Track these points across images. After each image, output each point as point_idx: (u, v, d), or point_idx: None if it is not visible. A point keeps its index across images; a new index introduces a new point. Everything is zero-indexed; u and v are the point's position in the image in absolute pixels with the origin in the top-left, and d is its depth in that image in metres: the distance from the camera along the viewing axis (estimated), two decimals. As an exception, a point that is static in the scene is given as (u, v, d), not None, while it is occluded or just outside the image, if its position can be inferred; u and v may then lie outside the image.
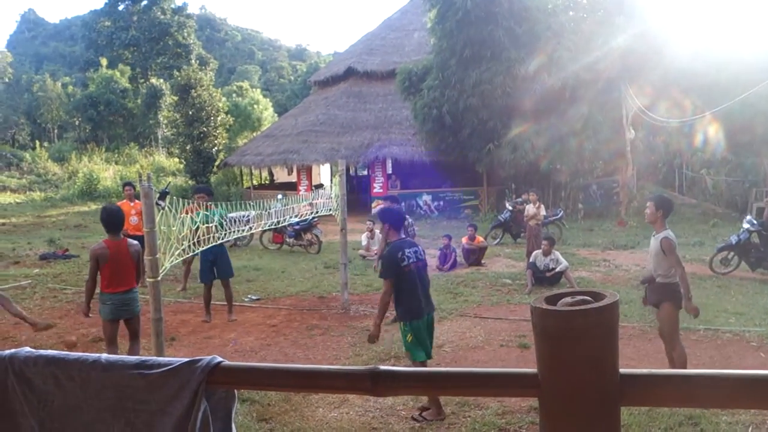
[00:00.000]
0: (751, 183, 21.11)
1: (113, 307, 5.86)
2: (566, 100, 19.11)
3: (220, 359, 1.34)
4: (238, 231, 9.57)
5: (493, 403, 5.22)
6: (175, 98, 31.47)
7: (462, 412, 5.12)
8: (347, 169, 27.41)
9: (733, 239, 11.29)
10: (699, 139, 21.71)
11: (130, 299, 5.92)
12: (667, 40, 18.71)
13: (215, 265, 8.30)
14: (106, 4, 51.95)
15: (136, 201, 9.88)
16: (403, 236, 5.38)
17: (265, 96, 47.15)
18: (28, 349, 1.48)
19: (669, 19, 18.76)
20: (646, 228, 17.91)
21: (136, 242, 6.09)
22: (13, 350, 1.46)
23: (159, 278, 5.24)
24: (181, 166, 32.31)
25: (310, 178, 25.79)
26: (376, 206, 23.12)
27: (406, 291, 5.05)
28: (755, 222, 11.48)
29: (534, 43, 19.48)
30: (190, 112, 29.14)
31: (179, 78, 30.56)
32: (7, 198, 29.09)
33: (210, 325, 8.22)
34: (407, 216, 8.00)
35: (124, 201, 10.31)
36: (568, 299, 1.12)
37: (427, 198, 23.05)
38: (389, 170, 24.29)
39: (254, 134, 35.04)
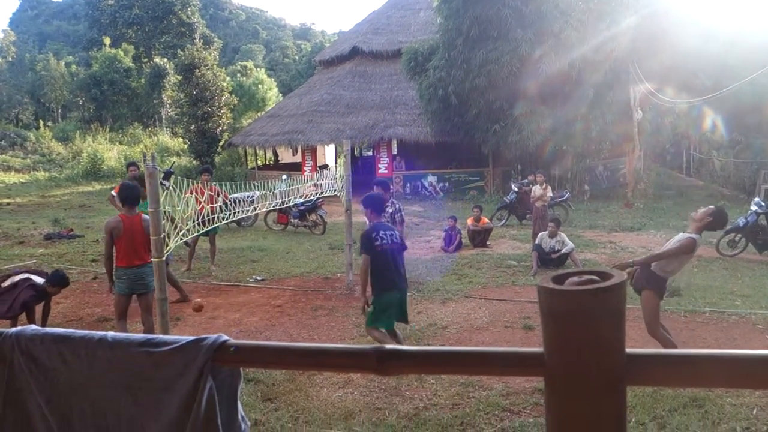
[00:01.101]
0: (760, 165, 20.98)
1: (128, 281, 5.99)
2: (573, 81, 18.95)
3: (226, 337, 1.34)
4: (243, 211, 9.61)
5: (497, 384, 5.24)
6: (179, 78, 31.39)
7: (466, 393, 5.14)
8: (352, 150, 27.39)
9: (741, 221, 11.24)
10: (707, 120, 21.57)
11: (145, 273, 5.98)
12: (676, 20, 18.50)
13: None
14: (109, -18, 51.65)
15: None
16: (383, 220, 6.00)
17: (269, 76, 46.99)
18: (34, 326, 1.49)
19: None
20: (653, 210, 17.89)
21: (148, 217, 6.12)
22: (19, 327, 1.47)
23: (164, 258, 5.25)
24: (185, 146, 32.32)
25: (314, 158, 25.75)
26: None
27: (379, 268, 5.61)
28: (763, 204, 11.42)
29: (541, 22, 19.28)
30: (194, 92, 29.06)
31: (183, 57, 30.44)
32: (11, 178, 29.19)
33: (215, 305, 8.26)
34: (395, 202, 8.12)
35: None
36: (575, 279, 1.11)
37: (432, 179, 23.00)
38: (394, 151, 24.25)
39: (258, 114, 34.96)
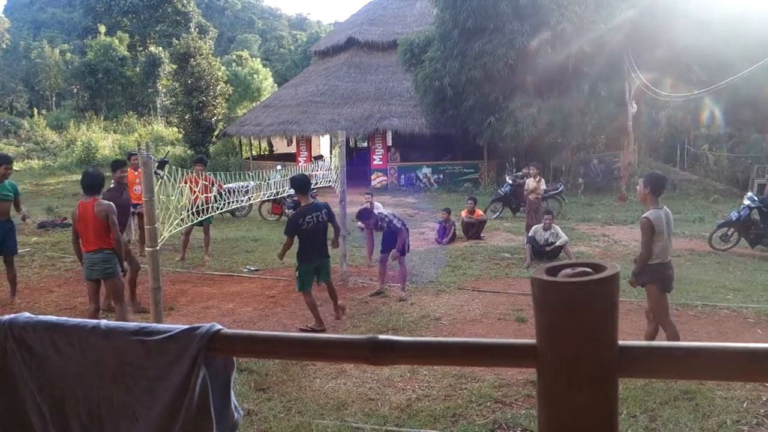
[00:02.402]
0: (753, 159, 21.06)
1: (84, 266, 6.15)
2: (569, 74, 18.95)
3: (219, 327, 1.34)
4: (237, 201, 9.59)
5: (489, 376, 5.26)
6: (174, 67, 31.18)
7: (459, 384, 5.16)
8: (347, 141, 27.34)
9: (734, 215, 11.29)
10: (702, 114, 21.61)
11: (97, 260, 6.02)
12: (672, 13, 18.50)
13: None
14: (104, -31, 51.17)
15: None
16: (311, 200, 6.97)
17: (264, 66, 46.72)
18: (27, 314, 1.48)
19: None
20: (646, 203, 17.96)
21: (106, 202, 6.09)
22: (12, 315, 1.46)
23: (158, 248, 5.24)
24: (180, 135, 32.16)
25: (309, 149, 25.71)
26: (376, 178, 23.10)
27: (303, 243, 6.74)
28: (756, 198, 11.46)
29: (537, 15, 19.25)
30: (189, 81, 28.90)
31: (178, 46, 30.23)
32: (5, 166, 28.94)
33: (208, 294, 8.27)
34: (387, 215, 8.27)
35: (128, 170, 10.30)
36: (569, 271, 1.11)
37: (427, 171, 23.00)
38: (389, 142, 24.21)
39: (254, 104, 34.81)
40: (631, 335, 6.27)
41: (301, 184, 6.93)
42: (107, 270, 6.05)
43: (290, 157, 25.77)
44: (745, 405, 4.68)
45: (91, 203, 6.02)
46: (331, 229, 7.23)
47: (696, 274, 9.38)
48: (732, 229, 11.38)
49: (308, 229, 6.64)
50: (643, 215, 5.53)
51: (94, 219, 5.97)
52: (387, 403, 4.83)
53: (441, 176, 22.92)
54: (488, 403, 4.80)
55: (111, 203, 6.12)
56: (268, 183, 10.19)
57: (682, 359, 1.08)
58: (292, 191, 12.21)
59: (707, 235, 11.77)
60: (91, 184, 6.11)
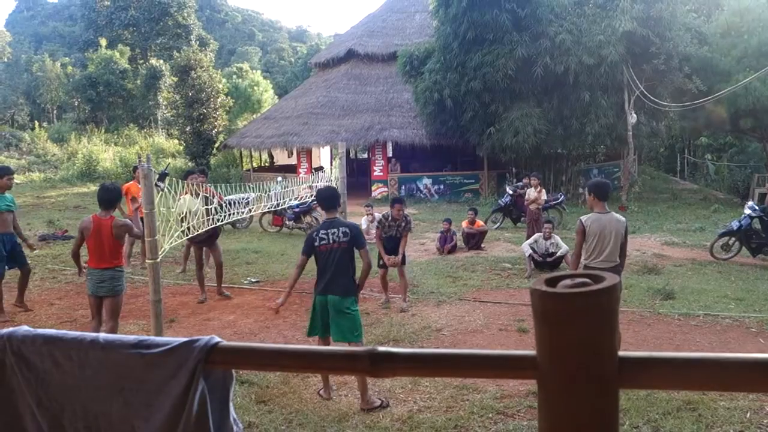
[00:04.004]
0: (754, 168, 21.10)
1: (91, 282, 5.97)
2: (568, 84, 19.03)
3: (218, 339, 1.33)
4: (238, 213, 9.60)
5: (491, 387, 5.24)
6: (175, 79, 31.32)
7: (461, 396, 5.14)
8: (347, 152, 27.36)
9: (735, 225, 11.29)
10: (701, 124, 21.65)
11: (107, 277, 5.94)
12: (671, 26, 18.60)
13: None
14: (105, -17, 51.49)
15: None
16: (334, 216, 5.46)
17: (265, 78, 46.88)
18: (26, 327, 1.48)
19: (673, 1, 18.62)
20: (647, 213, 17.96)
21: (125, 221, 6.07)
22: (11, 329, 1.46)
23: (158, 260, 5.24)
24: (181, 147, 32.22)
25: (310, 160, 25.75)
26: (377, 189, 23.12)
27: (318, 267, 5.34)
28: (757, 208, 11.46)
29: (536, 26, 19.35)
30: (190, 94, 29.00)
31: (179, 59, 30.37)
32: (6, 179, 29.00)
33: (209, 306, 8.25)
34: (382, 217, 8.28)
35: (132, 182, 10.37)
36: (568, 281, 1.11)
37: (427, 181, 23.01)
38: (389, 153, 24.25)
39: (254, 116, 34.92)
40: (633, 345, 6.24)
41: (325, 198, 5.57)
42: (117, 287, 5.98)
43: (291, 169, 25.81)
44: (748, 415, 4.66)
45: (108, 221, 5.91)
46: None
47: (697, 283, 9.37)
48: (733, 239, 11.38)
49: (320, 248, 5.26)
50: (580, 217, 6.02)
51: (110, 237, 5.88)
52: (388, 415, 4.80)
53: (441, 187, 22.93)
54: (490, 415, 4.77)
55: (128, 222, 6.05)
56: (268, 195, 10.19)
57: (684, 370, 1.07)
58: (293, 203, 12.26)
59: (708, 244, 11.76)
60: (107, 198, 5.99)
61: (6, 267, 7.62)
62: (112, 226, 5.90)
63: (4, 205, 7.61)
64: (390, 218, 8.16)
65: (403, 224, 8.13)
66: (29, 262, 8.31)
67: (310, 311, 5.43)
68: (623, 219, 5.96)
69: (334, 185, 9.92)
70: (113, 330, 5.95)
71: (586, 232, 5.80)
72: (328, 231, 5.28)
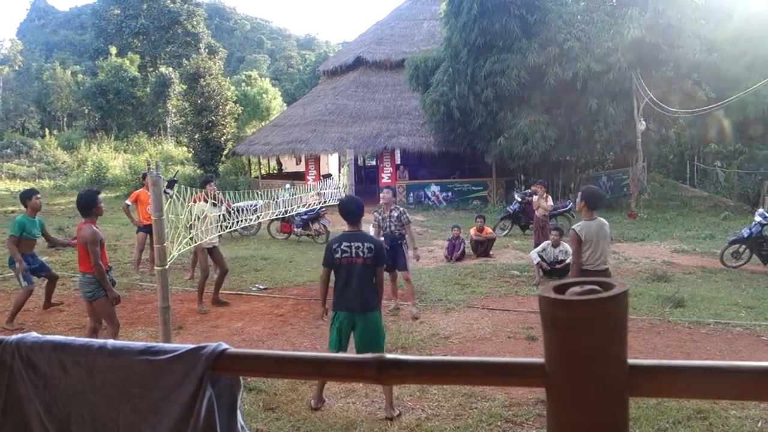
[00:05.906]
0: (764, 175, 20.96)
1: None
2: (577, 91, 19.00)
3: (225, 346, 1.33)
4: (246, 220, 9.62)
5: (500, 395, 5.21)
6: (184, 87, 31.49)
7: (469, 404, 5.11)
8: (355, 159, 27.38)
9: (745, 232, 11.22)
10: (711, 131, 21.55)
11: (81, 282, 6.11)
12: (680, 33, 18.55)
13: None
14: (115, -8, 51.98)
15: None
16: (358, 229, 5.28)
17: (273, 85, 47.11)
18: (35, 334, 1.48)
19: (681, 9, 18.58)
20: (657, 220, 17.86)
21: (90, 230, 5.92)
22: (20, 335, 1.46)
23: (167, 266, 5.25)
24: (190, 155, 32.37)
25: (318, 167, 25.79)
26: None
27: (337, 281, 5.20)
28: (767, 215, 11.39)
29: (545, 33, 19.36)
30: (199, 101, 29.15)
31: (188, 67, 30.55)
32: (16, 186, 29.26)
33: (217, 313, 8.26)
34: (399, 206, 8.40)
35: (142, 190, 10.43)
36: (577, 288, 1.10)
37: (435, 189, 22.99)
38: (398, 160, 24.26)
39: (263, 123, 35.04)
40: (642, 353, 6.20)
41: (350, 212, 5.27)
42: (87, 293, 6.01)
43: (299, 176, 25.86)
44: (759, 424, 4.61)
45: (80, 225, 6.01)
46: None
47: (708, 291, 9.30)
48: (744, 246, 11.30)
49: (342, 261, 5.09)
50: (572, 227, 6.20)
51: (79, 243, 5.94)
52: (396, 423, 4.79)
53: (449, 194, 22.90)
54: (498, 423, 4.75)
55: (95, 231, 5.89)
56: (276, 201, 10.21)
57: (694, 378, 1.06)
58: (301, 209, 12.27)
59: (719, 252, 11.68)
60: (79, 204, 6.02)
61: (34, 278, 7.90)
62: (80, 231, 5.97)
63: (36, 231, 7.83)
64: (381, 210, 8.21)
65: (396, 215, 8.18)
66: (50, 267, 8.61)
67: (330, 326, 5.30)
68: (606, 222, 6.24)
69: (343, 192, 9.95)
70: (111, 335, 6.00)
71: (583, 240, 5.97)
72: (351, 244, 5.08)
